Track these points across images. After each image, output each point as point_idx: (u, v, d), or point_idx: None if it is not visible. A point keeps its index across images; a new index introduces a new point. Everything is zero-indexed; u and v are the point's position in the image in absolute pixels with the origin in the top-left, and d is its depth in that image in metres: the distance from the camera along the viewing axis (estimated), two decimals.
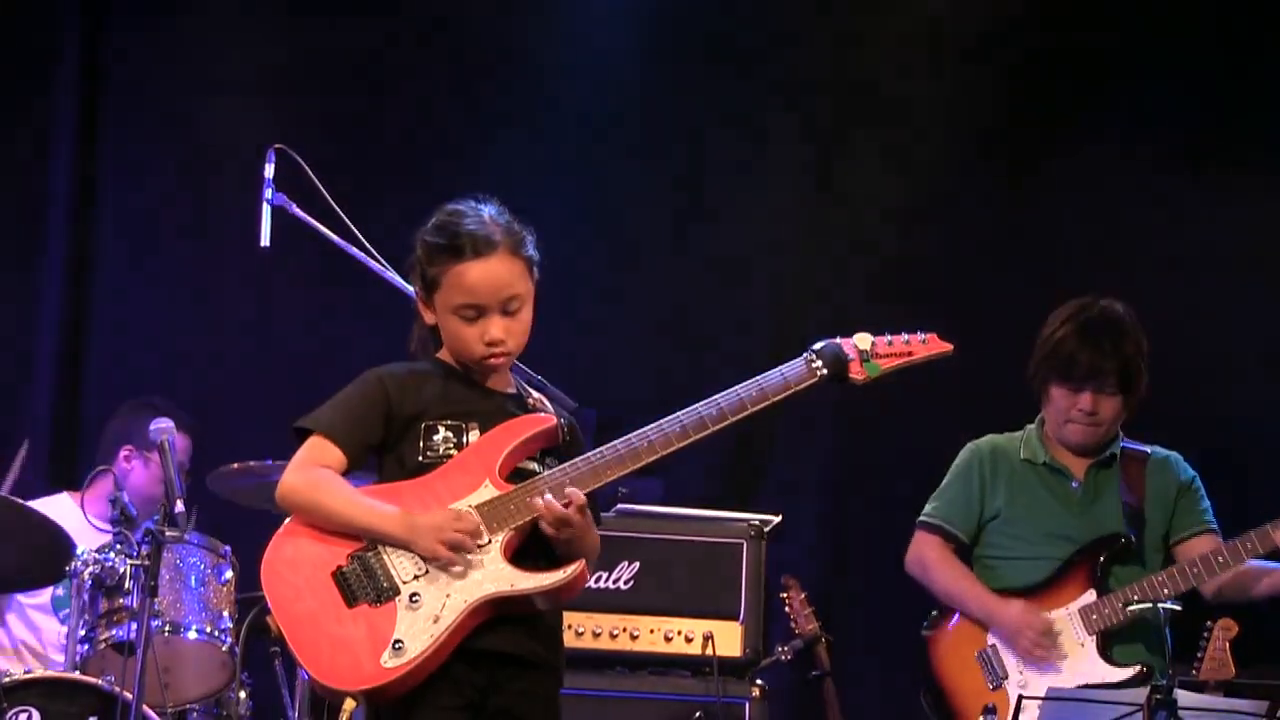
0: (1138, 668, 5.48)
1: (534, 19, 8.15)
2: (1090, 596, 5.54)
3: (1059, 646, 5.50)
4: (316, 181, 5.75)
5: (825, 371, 4.26)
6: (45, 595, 6.75)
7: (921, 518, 5.81)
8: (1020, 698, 5.29)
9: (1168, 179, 7.90)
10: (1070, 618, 5.53)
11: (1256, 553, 5.46)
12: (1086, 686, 5.40)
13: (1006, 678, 5.53)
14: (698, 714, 5.81)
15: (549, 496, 4.07)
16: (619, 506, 6.04)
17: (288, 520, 4.16)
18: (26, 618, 6.77)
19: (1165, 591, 5.47)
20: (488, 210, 4.23)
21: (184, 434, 6.65)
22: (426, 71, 8.05)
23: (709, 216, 8.09)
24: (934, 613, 5.74)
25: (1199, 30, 8.00)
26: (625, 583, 5.94)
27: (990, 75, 8.04)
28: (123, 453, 6.82)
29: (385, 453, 4.22)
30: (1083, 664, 5.49)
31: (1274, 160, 7.91)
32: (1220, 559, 5.47)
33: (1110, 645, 5.52)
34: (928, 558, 5.74)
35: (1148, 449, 5.78)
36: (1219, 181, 7.82)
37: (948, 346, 4.39)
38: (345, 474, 4.18)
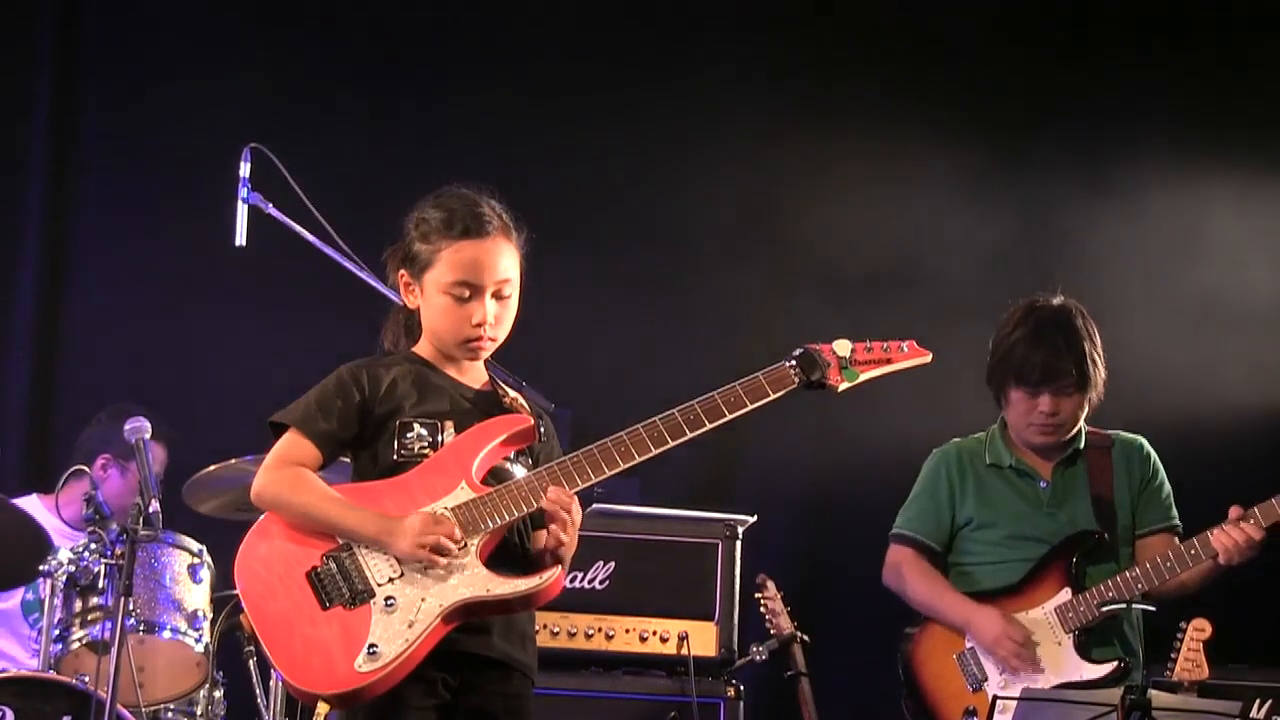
0: (1115, 663, 5.50)
1: (513, 16, 8.14)
2: (1066, 595, 5.55)
3: (1037, 653, 5.50)
4: (291, 180, 5.75)
5: (804, 378, 4.27)
6: (15, 600, 6.73)
7: (894, 530, 5.83)
8: (995, 698, 5.30)
9: (1149, 178, 7.95)
10: (1047, 616, 5.54)
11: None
12: (1066, 685, 5.42)
13: (986, 680, 5.54)
14: (672, 714, 5.81)
15: (553, 489, 4.08)
16: (595, 506, 6.03)
17: (262, 517, 4.17)
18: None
19: (1139, 587, 5.48)
20: (484, 197, 4.28)
21: (160, 445, 6.65)
22: (407, 69, 8.03)
23: (691, 216, 8.08)
24: (913, 619, 5.74)
25: (1177, 31, 8.05)
26: (600, 583, 5.94)
27: (964, 75, 8.07)
28: (99, 461, 6.80)
29: (360, 449, 4.23)
30: (1061, 663, 5.50)
31: (1257, 160, 7.96)
32: (1192, 551, 5.48)
33: (1088, 643, 5.53)
34: (902, 569, 5.75)
35: (1111, 434, 5.78)
36: (1205, 181, 7.87)
37: (926, 355, 4.41)
38: (320, 470, 4.18)
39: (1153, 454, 5.78)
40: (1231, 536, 5.41)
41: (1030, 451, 5.73)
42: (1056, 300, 5.68)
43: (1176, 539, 5.65)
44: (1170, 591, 5.57)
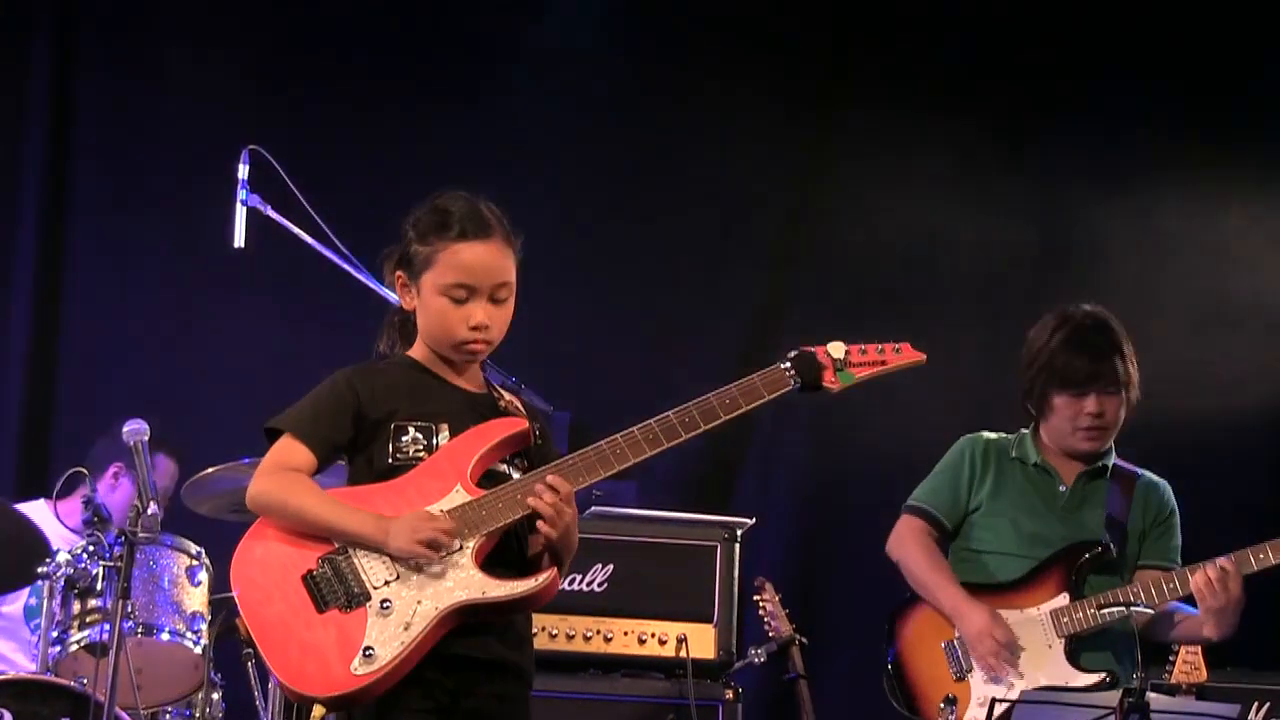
0: (1103, 674, 5.48)
1: (512, 16, 8.14)
2: (1063, 599, 5.54)
3: (1020, 657, 5.51)
4: (290, 183, 5.75)
5: (799, 380, 4.27)
6: (18, 604, 6.74)
7: (908, 501, 5.82)
8: (993, 700, 5.29)
9: (1145, 183, 7.95)
10: (1041, 619, 5.54)
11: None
12: (1049, 689, 5.40)
13: (971, 671, 5.54)
14: (670, 716, 5.82)
15: (543, 486, 4.08)
16: (593, 509, 6.04)
17: (256, 521, 4.16)
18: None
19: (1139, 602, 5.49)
20: (482, 201, 4.28)
21: (171, 459, 6.65)
22: (404, 71, 8.03)
23: (689, 217, 8.08)
24: (906, 596, 5.74)
25: (1185, 31, 8.05)
26: (599, 585, 5.94)
27: (963, 80, 8.07)
28: (112, 469, 6.83)
29: (354, 453, 4.22)
30: (1049, 666, 5.49)
31: (1254, 165, 7.96)
32: (1197, 572, 5.48)
33: (1078, 650, 5.52)
34: (908, 540, 5.74)
35: (1139, 471, 5.80)
36: (1198, 186, 7.87)
37: (920, 356, 4.42)
38: (315, 474, 4.18)
39: (1173, 500, 5.79)
40: (1208, 575, 5.42)
41: (1057, 456, 5.74)
42: (1088, 306, 5.72)
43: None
44: (1157, 635, 5.59)
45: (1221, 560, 5.43)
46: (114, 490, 6.80)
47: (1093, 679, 5.47)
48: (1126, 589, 5.51)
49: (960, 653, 5.57)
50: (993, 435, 5.84)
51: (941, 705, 5.36)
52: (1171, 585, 5.48)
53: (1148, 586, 5.50)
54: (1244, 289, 7.93)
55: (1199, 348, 7.82)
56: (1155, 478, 5.81)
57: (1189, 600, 5.52)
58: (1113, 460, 5.75)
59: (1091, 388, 5.61)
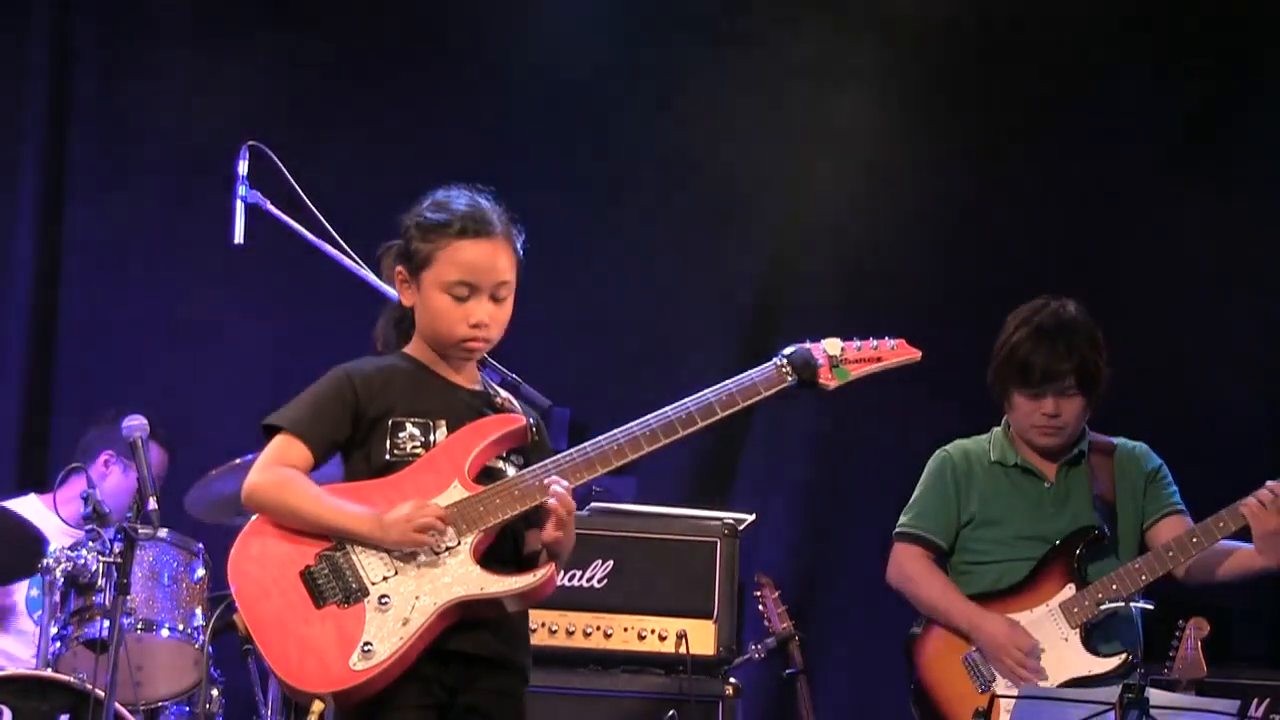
0: (1123, 655, 5.48)
1: (511, 13, 8.13)
2: (1070, 590, 5.53)
3: (1042, 659, 5.49)
4: (290, 178, 5.75)
5: (795, 377, 4.29)
6: (18, 596, 6.73)
7: (898, 529, 5.78)
8: (993, 697, 5.29)
9: (1140, 180, 7.94)
10: (1052, 613, 5.53)
11: (1228, 531, 5.46)
12: (1074, 680, 5.41)
13: (994, 681, 5.51)
14: (671, 712, 5.81)
15: (562, 485, 4.08)
16: (593, 504, 6.04)
17: (254, 518, 4.16)
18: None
19: (1143, 578, 5.46)
20: (484, 198, 4.28)
21: (161, 449, 6.65)
22: (403, 67, 8.02)
23: (688, 213, 8.07)
24: (918, 619, 5.72)
25: (1179, 32, 8.03)
26: (599, 581, 5.94)
27: (963, 77, 8.06)
28: (103, 456, 6.80)
29: (352, 450, 4.23)
30: (1069, 658, 5.48)
31: (1247, 161, 7.95)
32: (1195, 539, 5.47)
33: (1093, 638, 5.52)
34: (908, 569, 5.70)
35: (1114, 440, 5.77)
36: (1193, 183, 7.86)
37: (916, 353, 4.43)
38: (312, 471, 4.18)
39: (1154, 455, 5.77)
40: (1259, 498, 5.39)
41: (1035, 452, 5.72)
42: (1059, 302, 5.66)
43: (1187, 519, 5.63)
44: (1201, 576, 5.56)
45: (1270, 484, 5.40)
46: (104, 478, 6.79)
47: (1114, 663, 5.46)
48: (1131, 568, 5.49)
49: (981, 665, 5.54)
50: (966, 442, 5.81)
51: None
52: (1222, 523, 5.44)
53: (1193, 533, 5.47)
54: (1243, 282, 7.92)
55: (1201, 342, 7.82)
56: (1131, 443, 5.77)
57: (1238, 536, 5.49)
58: (1087, 443, 5.72)
59: (1049, 389, 5.57)
